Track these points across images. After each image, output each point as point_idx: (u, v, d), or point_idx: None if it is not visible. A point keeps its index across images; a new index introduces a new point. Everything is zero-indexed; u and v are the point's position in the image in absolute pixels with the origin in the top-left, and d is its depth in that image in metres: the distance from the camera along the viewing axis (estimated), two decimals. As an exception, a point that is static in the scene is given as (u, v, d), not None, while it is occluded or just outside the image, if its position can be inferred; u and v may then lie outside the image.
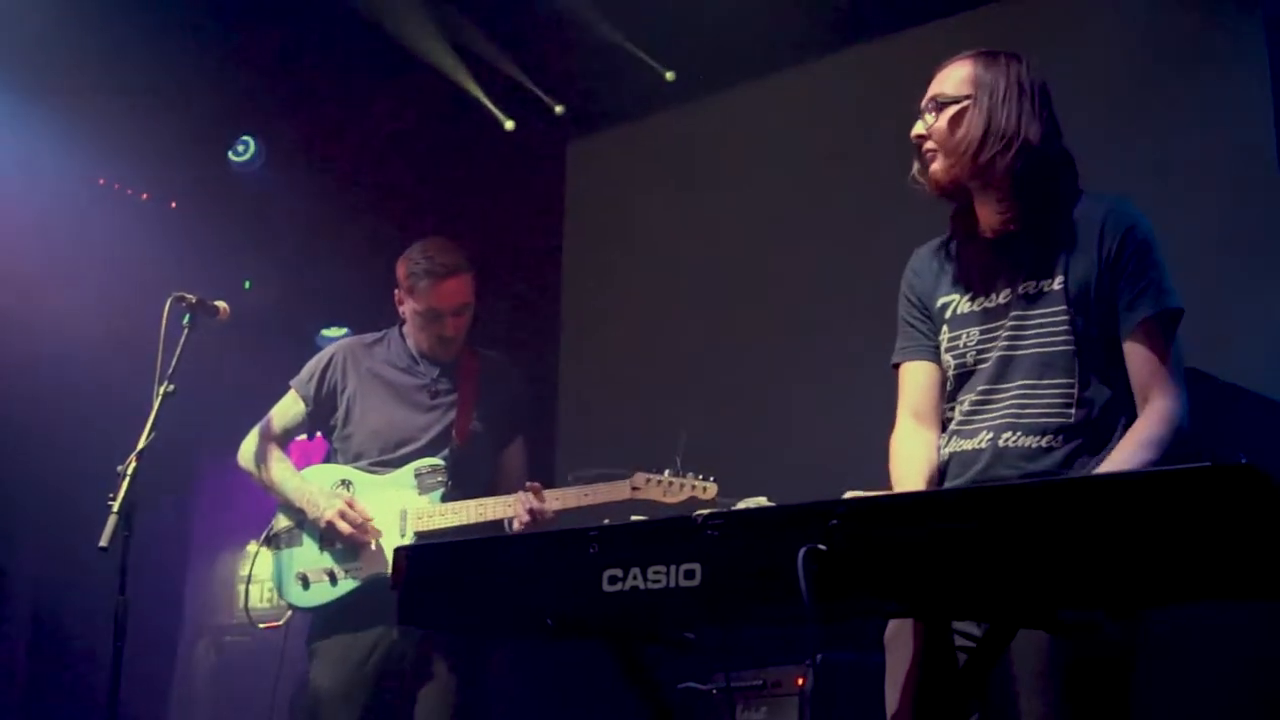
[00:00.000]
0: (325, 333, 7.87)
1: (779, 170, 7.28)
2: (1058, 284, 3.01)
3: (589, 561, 2.27)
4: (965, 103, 3.10)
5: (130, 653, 4.00)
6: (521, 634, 2.61)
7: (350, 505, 4.46)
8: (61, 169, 7.37)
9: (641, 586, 2.20)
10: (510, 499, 4.41)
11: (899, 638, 2.95)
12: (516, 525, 4.35)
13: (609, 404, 7.74)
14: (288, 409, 4.76)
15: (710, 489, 4.37)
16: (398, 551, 2.61)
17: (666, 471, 4.40)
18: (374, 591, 4.40)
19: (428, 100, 7.95)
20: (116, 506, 3.94)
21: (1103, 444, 2.92)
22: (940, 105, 3.14)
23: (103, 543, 3.88)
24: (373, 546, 4.48)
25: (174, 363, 4.27)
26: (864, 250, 6.86)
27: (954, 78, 3.15)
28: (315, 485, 4.60)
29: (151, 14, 6.93)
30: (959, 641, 2.93)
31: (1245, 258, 5.69)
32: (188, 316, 4.41)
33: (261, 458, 4.69)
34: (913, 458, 3.17)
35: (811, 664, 4.81)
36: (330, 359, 4.78)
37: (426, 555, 2.64)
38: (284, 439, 4.76)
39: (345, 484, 4.59)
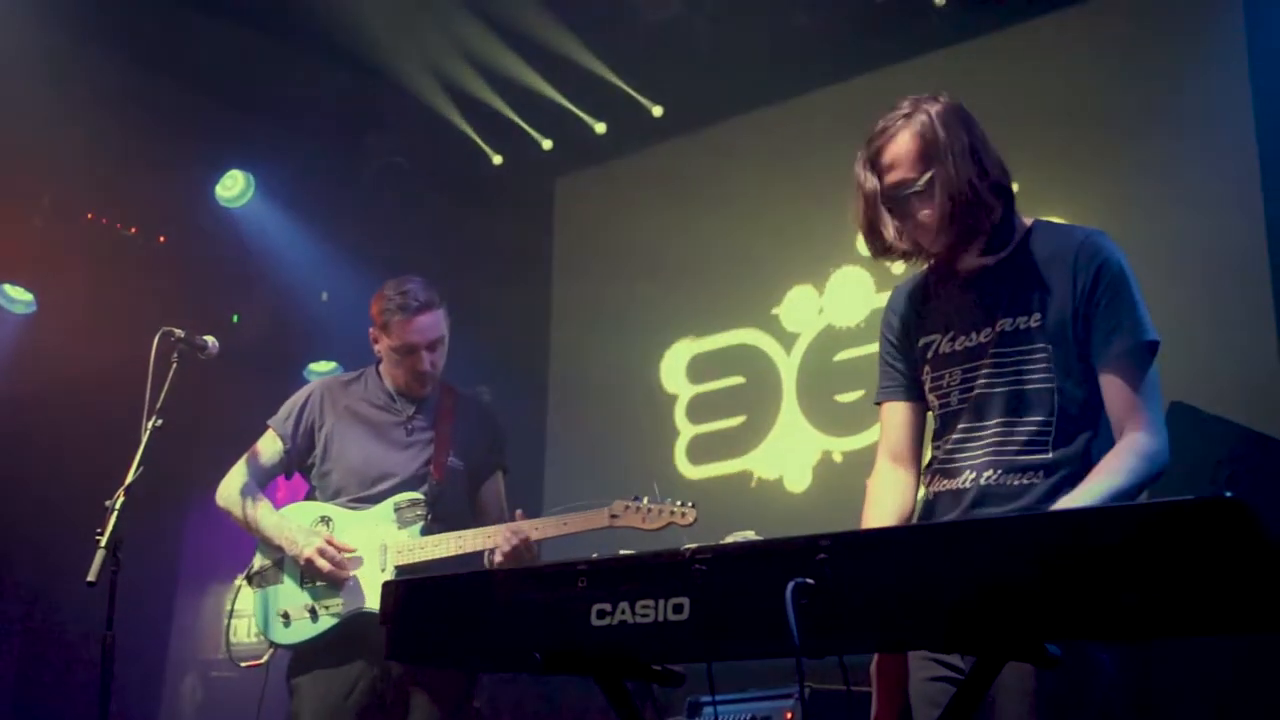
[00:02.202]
0: (313, 367, 7.89)
1: (767, 204, 7.32)
2: (1035, 321, 3.02)
3: (577, 596, 2.27)
4: (926, 181, 3.06)
5: (117, 687, 3.98)
6: (510, 668, 2.60)
7: (329, 542, 4.44)
8: (51, 203, 7.39)
9: (630, 621, 2.20)
10: (490, 530, 4.41)
11: (884, 669, 2.96)
12: (498, 557, 4.33)
13: (597, 437, 7.75)
14: (266, 448, 4.74)
15: (689, 514, 4.35)
16: (386, 586, 2.60)
17: (645, 499, 4.40)
18: (355, 627, 4.41)
19: (416, 135, 7.99)
20: (104, 541, 3.92)
21: (1077, 483, 2.90)
22: (906, 192, 3.09)
23: (90, 577, 3.86)
24: (352, 583, 4.46)
25: (162, 397, 4.27)
26: (854, 281, 6.91)
27: (903, 160, 3.09)
28: (294, 522, 4.57)
29: (139, 49, 6.95)
30: (943, 673, 2.94)
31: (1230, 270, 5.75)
32: (176, 351, 4.40)
33: (240, 497, 4.65)
34: (883, 500, 3.17)
35: (800, 698, 4.83)
36: (307, 398, 4.78)
37: (415, 590, 2.63)
38: (264, 478, 4.73)
39: (325, 520, 4.57)
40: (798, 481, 6.97)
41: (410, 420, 4.71)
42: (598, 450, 7.71)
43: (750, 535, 2.38)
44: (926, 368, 3.19)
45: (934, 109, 3.10)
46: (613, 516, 4.36)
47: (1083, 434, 2.97)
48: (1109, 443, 2.95)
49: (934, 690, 2.94)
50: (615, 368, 7.84)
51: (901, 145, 3.10)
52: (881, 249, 3.16)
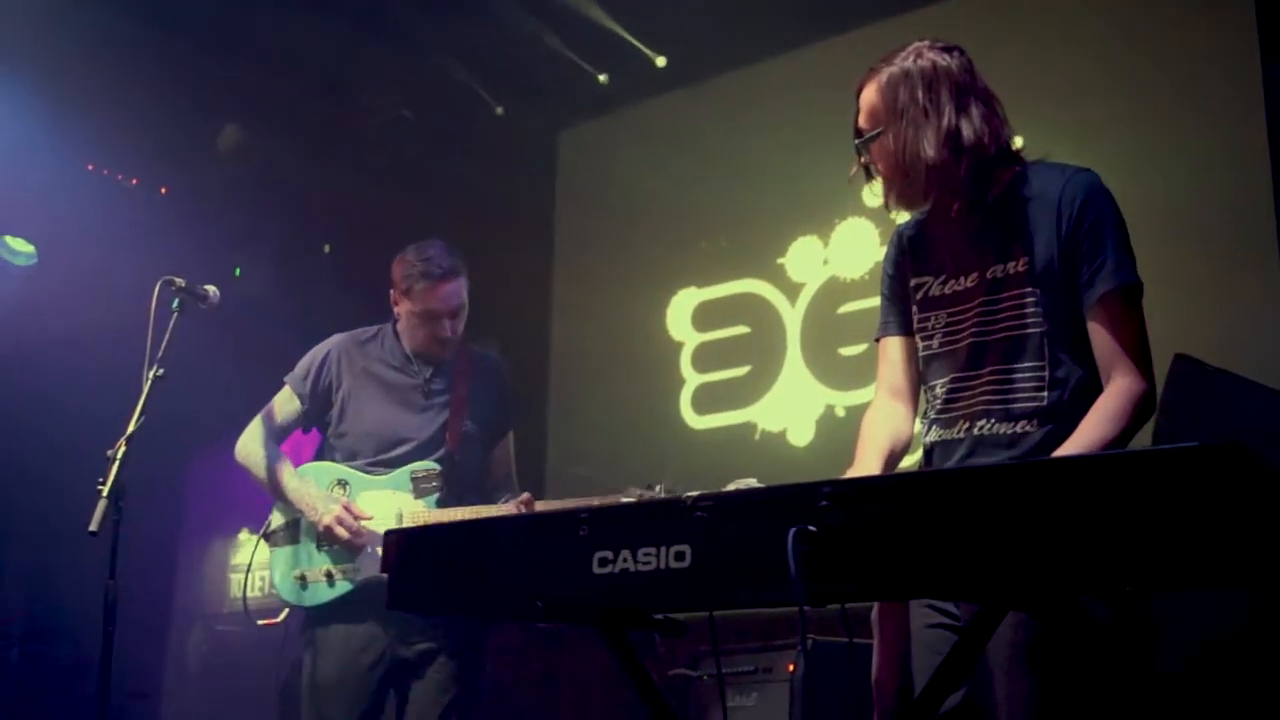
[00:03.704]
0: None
1: (771, 155, 7.28)
2: (1023, 265, 3.00)
3: (579, 543, 2.26)
4: (880, 134, 3.09)
5: (121, 639, 3.99)
6: (512, 617, 2.61)
7: (348, 509, 4.47)
8: (52, 154, 7.35)
9: (631, 569, 2.20)
10: (503, 507, 4.44)
11: (885, 617, 2.97)
12: None
13: (600, 394, 7.76)
14: (283, 406, 4.74)
15: None
16: (388, 535, 2.60)
17: (659, 487, 4.32)
18: (369, 593, 4.40)
19: (418, 87, 7.95)
20: (106, 491, 3.92)
21: (1073, 428, 2.89)
22: (864, 142, 3.14)
23: (92, 527, 3.87)
24: (369, 550, 4.47)
25: (163, 347, 4.26)
26: (859, 233, 6.89)
27: (865, 109, 3.15)
28: (312, 487, 4.58)
29: (139, 3, 6.91)
30: (942, 620, 2.94)
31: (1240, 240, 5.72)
32: (177, 301, 4.38)
33: (260, 456, 4.66)
34: (875, 435, 3.16)
35: (802, 649, 4.84)
36: (325, 356, 4.76)
37: (416, 538, 2.63)
38: (281, 435, 4.74)
39: (342, 484, 4.59)
40: (801, 435, 6.97)
41: (428, 383, 4.71)
42: (603, 401, 7.71)
43: (752, 483, 2.38)
44: (915, 308, 3.19)
45: (915, 65, 3.10)
46: None
47: (1076, 377, 2.95)
48: (1100, 385, 2.93)
49: (934, 637, 2.94)
50: (619, 318, 7.83)
51: (868, 94, 3.14)
52: (852, 174, 3.24)
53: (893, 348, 3.27)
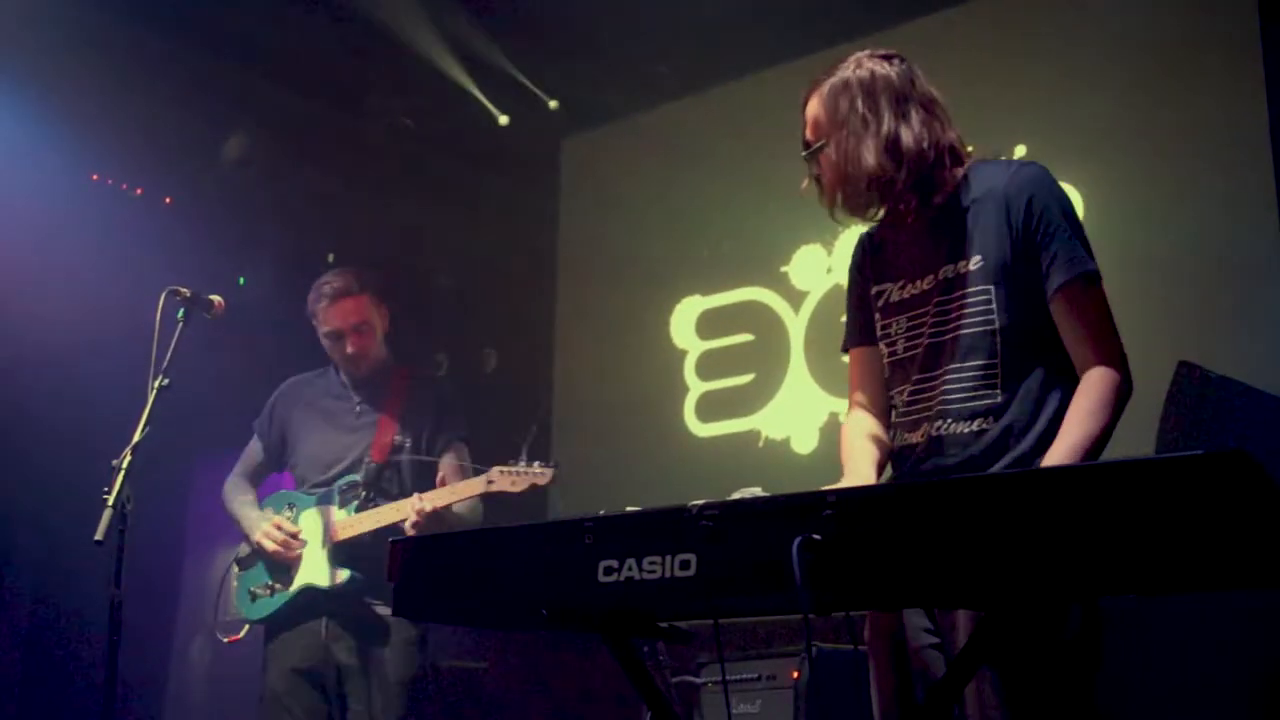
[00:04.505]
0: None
1: (774, 163, 7.27)
2: (975, 264, 3.00)
3: (584, 552, 2.27)
4: (822, 146, 3.13)
5: (126, 648, 3.99)
6: (516, 625, 2.61)
7: (277, 526, 4.84)
8: (56, 164, 7.36)
9: (636, 577, 2.20)
10: (401, 504, 4.71)
11: (879, 633, 2.98)
12: (407, 527, 4.63)
13: (604, 402, 7.76)
14: (251, 448, 5.21)
15: (546, 473, 4.61)
16: (393, 543, 2.61)
17: (516, 463, 4.62)
18: (304, 600, 4.81)
19: (422, 96, 7.95)
20: (111, 500, 3.93)
21: (1034, 421, 2.91)
22: (811, 154, 3.17)
23: (97, 536, 3.87)
24: (300, 559, 4.84)
25: (168, 356, 4.27)
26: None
27: (809, 121, 3.19)
28: (257, 512, 5.00)
29: (143, 10, 6.92)
30: (925, 641, 2.94)
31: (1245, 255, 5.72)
32: (182, 310, 4.41)
33: (227, 493, 5.15)
34: (862, 446, 3.16)
35: (806, 656, 4.84)
36: (273, 401, 5.18)
37: (422, 547, 2.64)
38: (254, 476, 5.20)
39: (291, 505, 4.97)
40: (805, 443, 6.97)
41: (359, 405, 5.02)
42: (607, 409, 7.71)
43: (757, 491, 2.38)
44: (877, 315, 3.21)
45: (855, 74, 3.13)
46: (489, 482, 4.62)
47: (1033, 372, 2.95)
48: (1065, 375, 2.94)
49: (928, 656, 2.95)
50: (623, 326, 7.84)
51: (812, 105, 3.19)
52: (804, 186, 3.28)
53: (861, 359, 3.29)
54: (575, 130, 8.37)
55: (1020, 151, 6.22)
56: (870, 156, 3.03)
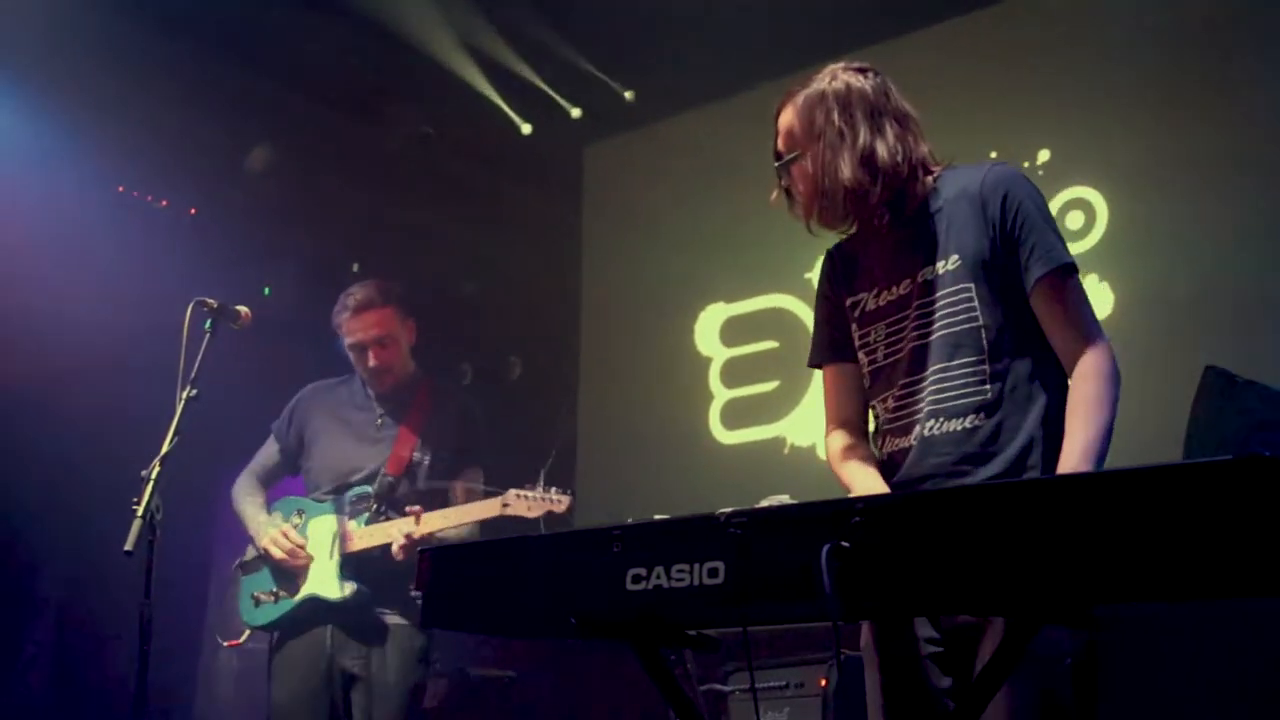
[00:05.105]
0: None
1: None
2: (954, 263, 3.01)
3: (612, 561, 2.27)
4: (798, 157, 3.14)
5: (154, 658, 4.01)
6: (545, 634, 2.61)
7: (285, 534, 4.81)
8: (83, 177, 7.40)
9: (665, 585, 2.20)
10: (391, 524, 4.69)
11: (878, 647, 2.99)
12: (394, 549, 4.61)
13: (629, 410, 7.76)
14: (266, 449, 5.17)
15: (564, 501, 4.59)
16: (421, 553, 2.62)
17: (533, 488, 4.58)
18: (309, 610, 4.77)
19: (444, 105, 7.98)
20: (140, 510, 3.94)
21: (1025, 414, 2.92)
22: (783, 165, 3.18)
23: (127, 546, 3.88)
24: (308, 568, 4.80)
25: (196, 367, 4.29)
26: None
27: (783, 132, 3.19)
28: (263, 515, 4.96)
29: (168, 21, 6.95)
30: (926, 650, 2.94)
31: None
32: (209, 321, 4.42)
33: (236, 494, 5.09)
34: (860, 458, 3.18)
35: (835, 663, 4.83)
36: (295, 403, 5.14)
37: (450, 556, 2.64)
38: (266, 477, 5.16)
39: (300, 512, 4.92)
40: (831, 449, 6.94)
41: (381, 416, 4.97)
42: (632, 418, 7.72)
43: (785, 499, 2.38)
44: (854, 326, 3.21)
45: (831, 88, 3.14)
46: (504, 505, 4.58)
47: (1020, 365, 2.96)
48: (1051, 366, 2.95)
49: (929, 666, 2.95)
50: (648, 333, 7.85)
51: (786, 117, 3.19)
52: (774, 200, 3.28)
53: (833, 376, 3.29)
54: (597, 138, 8.38)
55: (1044, 157, 6.21)
56: (846, 169, 3.04)
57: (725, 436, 7.41)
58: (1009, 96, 6.38)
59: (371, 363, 4.92)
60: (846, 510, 2.06)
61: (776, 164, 3.20)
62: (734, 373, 7.46)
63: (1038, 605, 2.03)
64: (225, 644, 5.05)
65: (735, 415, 7.40)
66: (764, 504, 2.31)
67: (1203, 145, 5.94)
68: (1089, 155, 6.16)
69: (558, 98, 7.92)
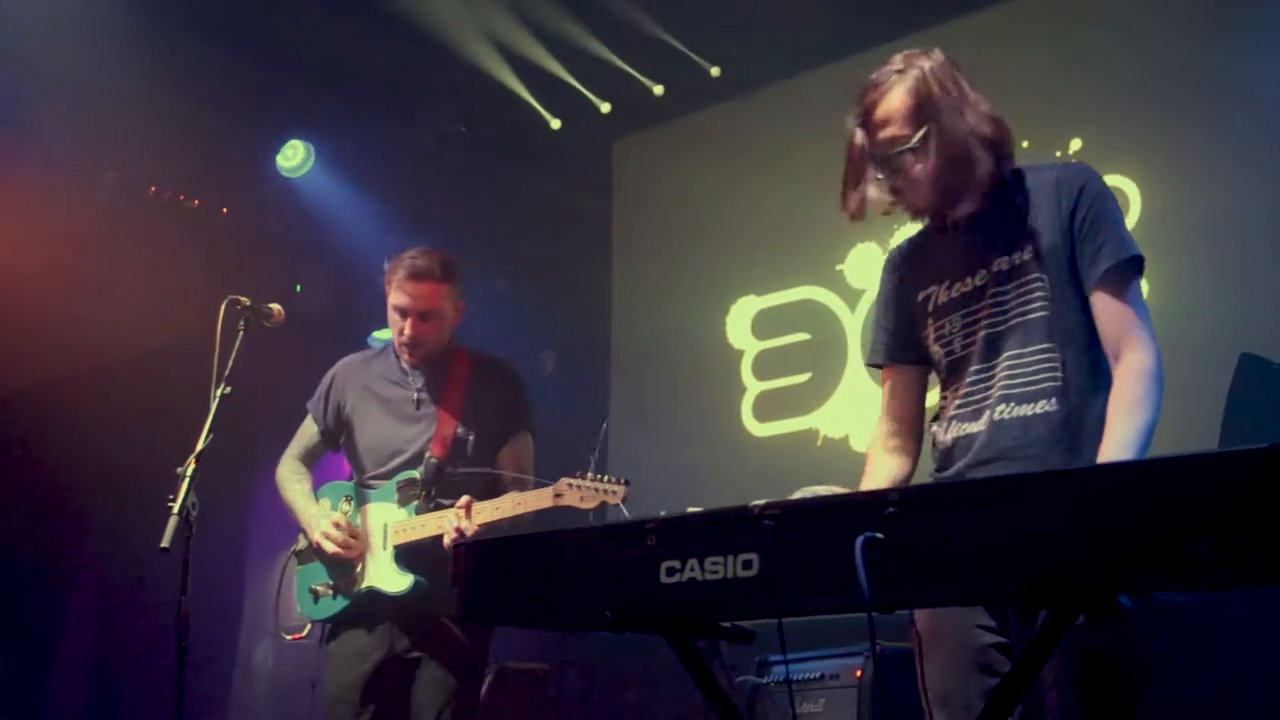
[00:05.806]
0: (376, 335, 7.94)
1: (827, 161, 7.25)
2: (1028, 254, 3.05)
3: (647, 553, 2.27)
4: (920, 137, 3.08)
5: (192, 654, 4.03)
6: (580, 626, 2.62)
7: (336, 525, 4.62)
8: (115, 177, 7.46)
9: (699, 578, 2.21)
10: (442, 515, 4.49)
11: (933, 637, 2.99)
12: (446, 543, 4.40)
13: (661, 403, 7.77)
14: (306, 430, 4.95)
15: (618, 491, 4.37)
16: (457, 547, 2.63)
17: (586, 475, 4.39)
18: (366, 603, 4.60)
19: (474, 102, 8.00)
20: (176, 508, 3.96)
21: (1089, 404, 2.96)
22: (899, 149, 3.11)
23: (164, 543, 3.91)
24: (362, 562, 4.65)
25: (230, 365, 4.31)
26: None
27: (899, 116, 3.11)
28: (313, 505, 4.77)
29: (199, 22, 6.99)
30: (988, 640, 2.95)
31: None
32: (242, 319, 4.44)
33: (283, 479, 4.90)
34: (885, 462, 3.28)
35: (870, 655, 4.82)
36: (330, 379, 4.93)
37: (487, 550, 2.65)
38: (308, 459, 4.95)
39: (349, 499, 4.76)
40: (864, 441, 6.89)
41: (419, 393, 4.77)
42: (664, 410, 7.72)
43: (819, 490, 2.38)
44: (929, 320, 3.22)
45: (927, 65, 3.13)
46: (557, 495, 4.38)
47: (1087, 355, 3.01)
48: (1101, 359, 2.99)
49: (987, 657, 2.94)
50: (679, 327, 7.85)
51: (895, 101, 3.12)
52: (858, 206, 3.20)
53: (894, 377, 3.35)
54: (626, 132, 8.38)
55: (1076, 145, 6.18)
56: (986, 125, 3.07)
57: (758, 429, 7.41)
58: (1041, 84, 6.35)
59: (408, 332, 4.69)
60: (880, 501, 2.05)
61: (898, 150, 3.10)
62: (766, 365, 7.46)
63: (1074, 596, 2.03)
64: (289, 639, 4.86)
65: (767, 407, 7.39)
66: (798, 495, 2.31)
67: (1236, 133, 5.90)
68: (1122, 143, 6.13)
69: (587, 93, 7.93)
